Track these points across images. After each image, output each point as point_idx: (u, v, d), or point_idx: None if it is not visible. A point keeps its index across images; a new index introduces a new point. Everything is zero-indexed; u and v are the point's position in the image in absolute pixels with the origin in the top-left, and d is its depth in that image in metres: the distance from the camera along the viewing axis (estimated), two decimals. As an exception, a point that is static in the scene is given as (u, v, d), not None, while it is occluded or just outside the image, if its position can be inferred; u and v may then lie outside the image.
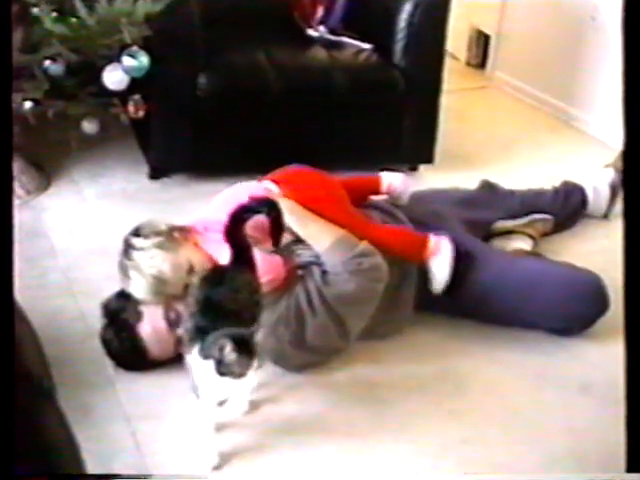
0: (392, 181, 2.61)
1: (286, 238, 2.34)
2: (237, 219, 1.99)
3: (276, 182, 2.38)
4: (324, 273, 2.27)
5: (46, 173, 3.22)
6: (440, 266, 2.38)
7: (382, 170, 2.65)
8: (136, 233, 2.19)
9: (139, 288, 2.15)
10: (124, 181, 3.26)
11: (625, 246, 1.53)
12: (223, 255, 2.21)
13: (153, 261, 2.14)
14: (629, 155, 1.52)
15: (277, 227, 2.06)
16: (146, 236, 2.18)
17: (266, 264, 2.24)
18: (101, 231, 2.88)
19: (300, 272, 2.29)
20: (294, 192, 2.36)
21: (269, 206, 2.03)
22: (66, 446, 1.39)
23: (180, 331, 2.14)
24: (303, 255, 2.32)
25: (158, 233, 2.18)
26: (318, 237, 2.30)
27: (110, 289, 2.27)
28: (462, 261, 2.40)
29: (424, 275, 2.41)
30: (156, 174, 3.27)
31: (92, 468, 1.48)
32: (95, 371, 2.23)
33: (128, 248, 2.17)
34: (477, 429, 2.10)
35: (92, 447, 1.87)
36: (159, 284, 2.14)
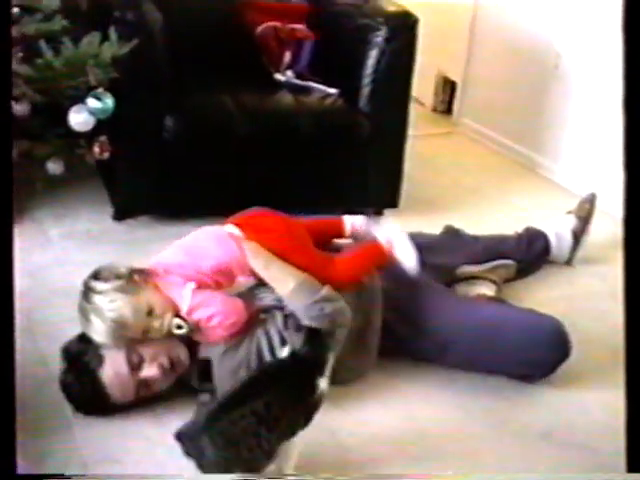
0: (354, 223, 2.61)
1: (248, 281, 2.34)
2: None
3: (239, 225, 2.38)
4: (286, 317, 2.26)
5: (10, 213, 3.19)
6: (403, 251, 2.42)
7: (345, 213, 2.66)
8: (96, 277, 2.17)
9: (99, 332, 2.13)
10: (88, 222, 3.25)
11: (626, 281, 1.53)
12: (183, 298, 2.21)
13: (113, 305, 2.12)
14: (630, 190, 1.52)
15: None
16: (106, 279, 2.16)
17: (228, 307, 2.24)
18: (64, 272, 2.85)
19: (262, 316, 2.28)
20: (257, 235, 2.35)
21: None
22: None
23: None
24: (265, 299, 2.32)
25: (118, 276, 2.17)
26: (281, 280, 2.29)
27: (72, 332, 2.24)
28: (419, 309, 2.43)
29: (387, 321, 2.42)
30: (121, 215, 3.26)
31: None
32: (54, 415, 2.20)
33: (88, 291, 2.15)
34: (439, 475, 2.09)
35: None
36: (119, 328, 2.12)
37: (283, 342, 2.19)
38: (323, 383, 1.94)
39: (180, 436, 1.87)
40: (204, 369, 2.10)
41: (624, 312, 1.53)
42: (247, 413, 1.83)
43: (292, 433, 1.90)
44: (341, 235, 2.61)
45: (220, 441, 1.81)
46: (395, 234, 2.44)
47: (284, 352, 1.97)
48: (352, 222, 2.61)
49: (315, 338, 1.96)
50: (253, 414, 1.82)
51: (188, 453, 1.85)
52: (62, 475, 1.41)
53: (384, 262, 2.44)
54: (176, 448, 2.11)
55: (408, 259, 2.43)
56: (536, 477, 2.05)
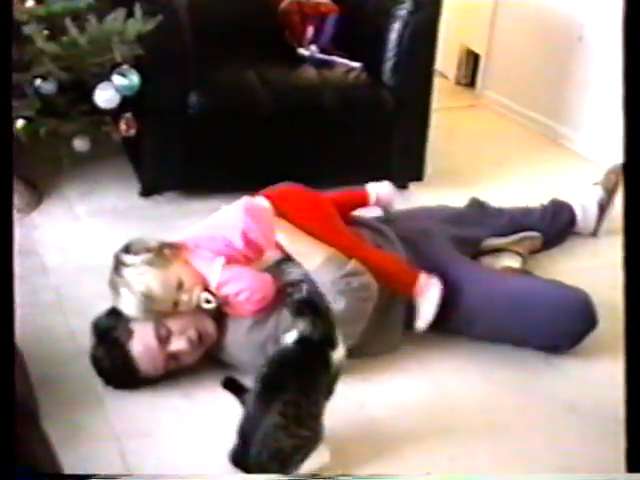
0: (379, 191, 2.63)
1: (276, 255, 2.36)
2: None
3: (269, 199, 2.40)
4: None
5: (37, 191, 3.22)
6: (426, 306, 2.38)
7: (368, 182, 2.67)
8: (126, 250, 2.20)
9: (129, 305, 2.16)
10: (115, 198, 3.27)
11: (625, 259, 1.54)
12: (212, 273, 2.23)
13: (142, 278, 2.15)
14: (630, 167, 1.52)
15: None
16: (136, 253, 2.18)
17: (256, 282, 2.25)
18: (92, 249, 2.88)
19: (289, 290, 2.30)
20: (285, 210, 2.37)
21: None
22: (48, 467, 1.40)
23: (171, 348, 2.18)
24: (292, 273, 2.34)
25: (148, 250, 2.19)
26: (308, 255, 2.31)
27: (101, 307, 2.27)
28: (445, 283, 2.41)
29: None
30: (147, 192, 3.28)
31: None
32: (84, 390, 2.23)
33: (118, 265, 2.18)
34: (465, 446, 2.11)
35: (81, 466, 1.90)
36: (148, 301, 2.14)
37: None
38: (337, 354, 1.95)
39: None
40: None
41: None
42: (281, 405, 1.85)
43: (320, 409, 1.92)
44: (366, 204, 2.63)
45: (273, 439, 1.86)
46: (434, 287, 2.40)
47: (291, 337, 1.95)
48: (377, 191, 2.62)
49: (319, 317, 1.95)
50: (284, 409, 1.85)
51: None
52: (62, 475, 1.44)
53: (404, 289, 2.40)
54: (204, 420, 2.16)
55: (426, 314, 2.39)
56: (536, 477, 2.06)
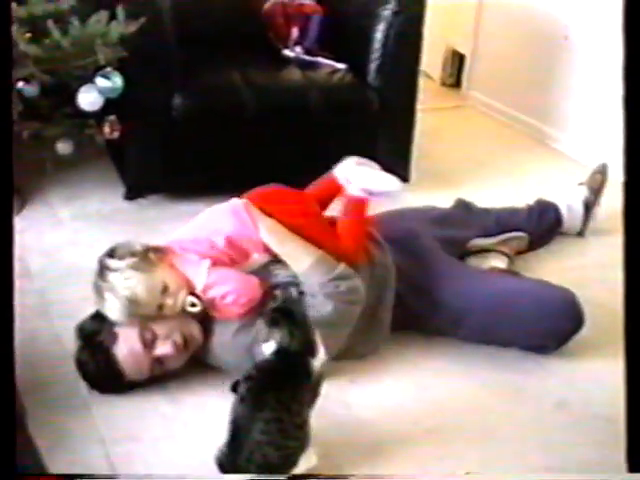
0: (345, 174, 2.48)
1: (263, 257, 2.34)
2: None
3: (254, 201, 2.38)
4: (301, 294, 2.27)
5: (21, 195, 3.20)
6: (374, 179, 2.43)
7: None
8: (111, 254, 2.18)
9: (113, 309, 2.14)
10: (99, 202, 3.25)
11: (625, 261, 1.54)
12: (198, 276, 2.22)
13: (127, 282, 2.13)
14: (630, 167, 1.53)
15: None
16: (121, 257, 2.16)
17: (242, 285, 2.24)
18: (76, 252, 2.87)
19: (277, 292, 2.29)
20: (271, 211, 2.36)
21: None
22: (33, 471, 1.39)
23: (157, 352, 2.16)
24: (280, 275, 2.33)
25: (133, 254, 2.17)
26: (296, 257, 2.30)
27: (86, 311, 2.25)
28: (431, 283, 2.42)
29: (400, 294, 2.42)
30: (132, 195, 3.26)
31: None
32: (70, 394, 2.21)
33: (103, 269, 2.16)
34: (454, 447, 2.10)
35: (67, 470, 1.89)
36: (133, 305, 2.13)
37: None
38: (318, 361, 1.92)
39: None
40: None
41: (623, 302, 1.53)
42: (263, 423, 1.83)
43: (304, 418, 1.90)
44: (340, 191, 2.49)
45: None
46: (351, 170, 2.41)
47: (269, 348, 1.92)
48: (343, 174, 2.49)
49: (296, 326, 1.92)
50: (267, 427, 1.83)
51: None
52: (64, 475, 1.43)
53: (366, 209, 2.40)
54: (191, 424, 2.14)
55: (385, 182, 2.41)
56: (536, 477, 2.05)
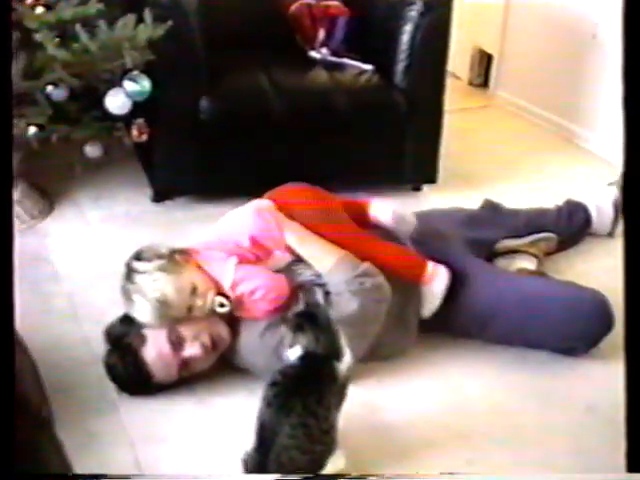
0: (378, 213, 2.52)
1: (286, 257, 2.34)
2: None
3: (277, 201, 2.39)
4: (326, 294, 2.27)
5: (49, 197, 3.22)
6: (432, 294, 2.38)
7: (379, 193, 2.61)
8: (138, 257, 2.19)
9: (143, 312, 2.15)
10: (127, 204, 3.27)
11: (625, 262, 1.52)
12: (226, 272, 2.22)
13: (156, 284, 2.14)
14: (629, 172, 1.52)
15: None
16: (148, 259, 2.18)
17: (271, 281, 2.25)
18: (105, 255, 2.88)
19: (302, 292, 2.29)
20: (293, 211, 2.36)
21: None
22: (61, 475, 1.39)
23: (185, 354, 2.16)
24: (304, 275, 2.33)
25: (160, 256, 2.18)
26: (320, 257, 2.31)
27: (114, 314, 2.27)
28: (459, 284, 2.40)
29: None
30: (159, 197, 3.28)
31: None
32: (99, 396, 2.23)
33: (130, 272, 2.17)
34: (482, 450, 2.09)
35: (96, 472, 1.89)
36: (163, 307, 2.13)
37: None
38: (343, 364, 1.92)
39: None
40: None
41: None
42: (289, 428, 1.83)
43: (331, 423, 1.89)
44: (364, 218, 2.52)
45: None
46: (441, 274, 2.39)
47: (294, 354, 1.91)
48: (376, 212, 2.52)
49: (321, 330, 1.92)
50: (293, 432, 1.83)
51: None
52: (64, 475, 1.44)
53: (412, 279, 2.39)
54: (219, 427, 2.14)
55: (431, 302, 2.39)
56: (536, 477, 2.03)
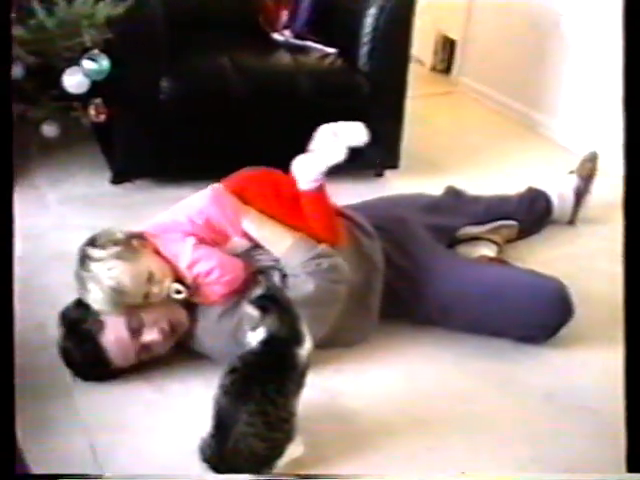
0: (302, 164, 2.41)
1: (243, 242, 2.32)
2: None
3: (233, 187, 2.36)
4: (284, 277, 2.26)
5: (6, 178, 3.16)
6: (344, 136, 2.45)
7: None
8: (92, 243, 2.14)
9: (97, 300, 2.10)
10: (86, 186, 3.22)
11: (626, 262, 1.53)
12: (184, 252, 2.19)
13: (111, 272, 2.09)
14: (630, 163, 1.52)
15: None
16: (103, 246, 2.13)
17: (227, 262, 2.22)
18: (62, 237, 2.83)
19: (259, 277, 2.27)
20: (249, 197, 2.34)
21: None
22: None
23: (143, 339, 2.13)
24: (262, 260, 2.31)
25: (116, 242, 2.14)
26: (276, 241, 2.29)
27: (70, 297, 2.21)
28: (420, 272, 2.40)
29: (388, 282, 2.40)
30: (118, 179, 3.23)
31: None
32: (53, 381, 2.18)
33: (85, 259, 2.12)
34: (442, 437, 2.08)
35: (50, 458, 1.86)
36: (118, 295, 2.09)
37: None
38: (304, 349, 1.89)
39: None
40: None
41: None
42: (247, 416, 1.80)
43: (289, 410, 1.87)
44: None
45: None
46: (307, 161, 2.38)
47: (256, 337, 1.88)
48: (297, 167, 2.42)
49: (284, 311, 1.90)
50: (251, 420, 1.80)
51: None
52: (63, 475, 1.41)
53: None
54: (176, 414, 2.12)
55: (354, 135, 2.40)
56: (536, 477, 2.04)
